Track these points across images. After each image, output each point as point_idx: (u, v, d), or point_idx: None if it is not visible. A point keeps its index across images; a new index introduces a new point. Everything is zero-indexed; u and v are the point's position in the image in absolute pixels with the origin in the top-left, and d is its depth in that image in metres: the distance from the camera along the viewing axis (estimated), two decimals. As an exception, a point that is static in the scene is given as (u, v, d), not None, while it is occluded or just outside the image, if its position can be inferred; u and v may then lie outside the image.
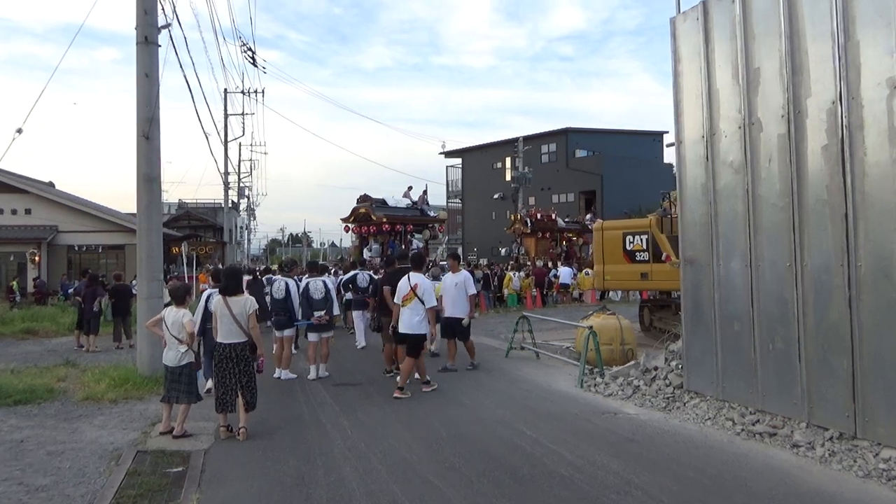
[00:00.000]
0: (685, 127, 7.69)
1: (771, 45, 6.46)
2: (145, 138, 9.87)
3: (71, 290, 19.61)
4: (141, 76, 9.90)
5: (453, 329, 10.26)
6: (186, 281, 19.68)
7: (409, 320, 8.64)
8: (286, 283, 10.14)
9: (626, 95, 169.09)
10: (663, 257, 12.53)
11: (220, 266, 20.40)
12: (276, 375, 9.81)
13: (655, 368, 8.39)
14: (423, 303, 8.61)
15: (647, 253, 13.45)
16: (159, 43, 10.12)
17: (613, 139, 49.21)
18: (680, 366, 7.92)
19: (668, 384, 7.92)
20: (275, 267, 29.20)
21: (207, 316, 7.77)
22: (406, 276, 8.88)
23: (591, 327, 9.45)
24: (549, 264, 27.33)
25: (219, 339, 6.69)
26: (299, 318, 9.91)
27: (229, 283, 6.85)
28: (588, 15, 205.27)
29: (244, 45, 29.09)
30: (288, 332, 10.00)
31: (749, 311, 6.73)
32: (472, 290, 10.19)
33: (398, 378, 8.69)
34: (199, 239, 39.19)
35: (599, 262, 14.70)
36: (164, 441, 6.61)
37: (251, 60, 28.88)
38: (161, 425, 6.94)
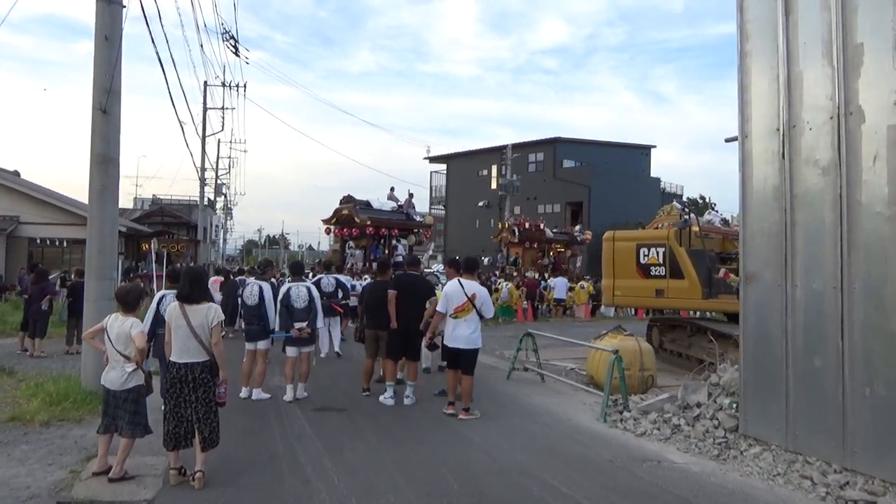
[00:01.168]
0: (753, 118, 6.39)
1: (880, 17, 5.20)
2: (102, 112, 8.36)
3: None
4: (100, 39, 8.39)
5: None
6: (154, 280, 18.06)
7: (465, 334, 7.66)
8: (259, 288, 8.77)
9: (609, 111, 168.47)
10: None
11: (192, 264, 18.83)
12: (243, 395, 8.38)
13: (698, 405, 7.08)
14: (480, 315, 7.78)
15: (663, 267, 12.20)
16: (123, 3, 8.66)
17: (601, 151, 48.45)
18: (734, 404, 6.61)
19: (718, 425, 6.61)
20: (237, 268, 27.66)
21: (160, 321, 6.40)
22: (456, 281, 7.86)
23: (616, 351, 8.14)
24: (537, 276, 26.10)
25: (172, 358, 5.25)
26: (275, 328, 8.50)
27: (193, 289, 5.40)
28: (572, 30, 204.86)
29: (226, 31, 27.40)
30: (262, 345, 8.59)
31: (837, 344, 5.44)
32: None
33: (451, 401, 7.88)
34: (170, 236, 37.33)
35: (609, 275, 13.34)
36: (96, 485, 5.18)
37: (233, 50, 27.22)
38: (96, 463, 5.48)
